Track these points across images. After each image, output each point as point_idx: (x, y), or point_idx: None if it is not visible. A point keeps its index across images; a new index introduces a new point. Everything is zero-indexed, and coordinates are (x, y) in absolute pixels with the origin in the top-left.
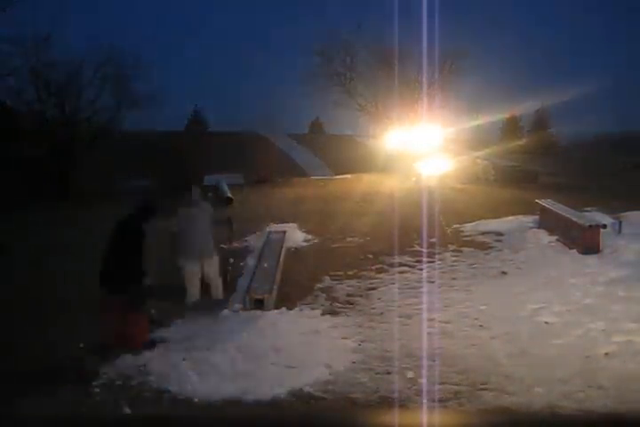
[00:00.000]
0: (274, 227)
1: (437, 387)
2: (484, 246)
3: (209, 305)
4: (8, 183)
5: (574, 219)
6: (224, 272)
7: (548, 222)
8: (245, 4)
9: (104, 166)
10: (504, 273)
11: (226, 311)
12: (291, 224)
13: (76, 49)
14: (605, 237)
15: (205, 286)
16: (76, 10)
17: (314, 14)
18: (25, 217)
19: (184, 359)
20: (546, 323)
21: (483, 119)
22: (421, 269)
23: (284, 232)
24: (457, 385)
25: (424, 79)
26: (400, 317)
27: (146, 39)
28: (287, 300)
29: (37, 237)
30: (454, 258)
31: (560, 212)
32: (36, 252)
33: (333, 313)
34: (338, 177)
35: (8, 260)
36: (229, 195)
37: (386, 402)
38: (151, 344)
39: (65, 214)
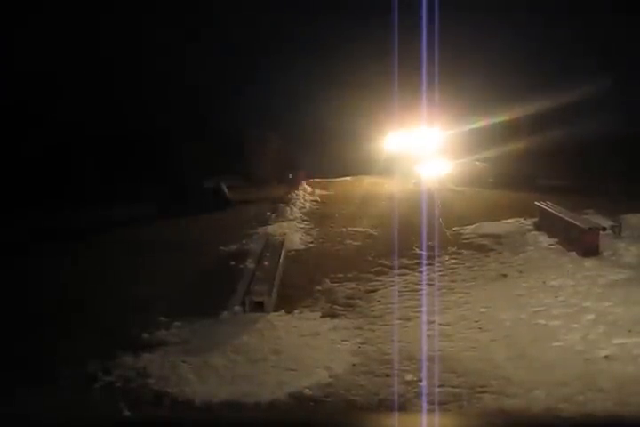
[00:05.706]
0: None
1: (437, 390)
2: (483, 249)
3: None
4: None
5: (574, 221)
6: None
7: (548, 225)
8: (246, 6)
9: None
10: (504, 276)
11: (225, 314)
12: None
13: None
14: (605, 240)
15: None
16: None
17: (313, 16)
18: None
19: (183, 362)
20: (545, 326)
21: (483, 121)
22: (421, 272)
23: (284, 235)
24: (456, 388)
25: (424, 81)
26: (400, 319)
27: (145, 37)
28: (287, 302)
29: None
30: (454, 260)
31: (559, 214)
32: None
33: (333, 315)
34: (338, 179)
35: None
36: (229, 197)
37: (386, 405)
38: None
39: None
